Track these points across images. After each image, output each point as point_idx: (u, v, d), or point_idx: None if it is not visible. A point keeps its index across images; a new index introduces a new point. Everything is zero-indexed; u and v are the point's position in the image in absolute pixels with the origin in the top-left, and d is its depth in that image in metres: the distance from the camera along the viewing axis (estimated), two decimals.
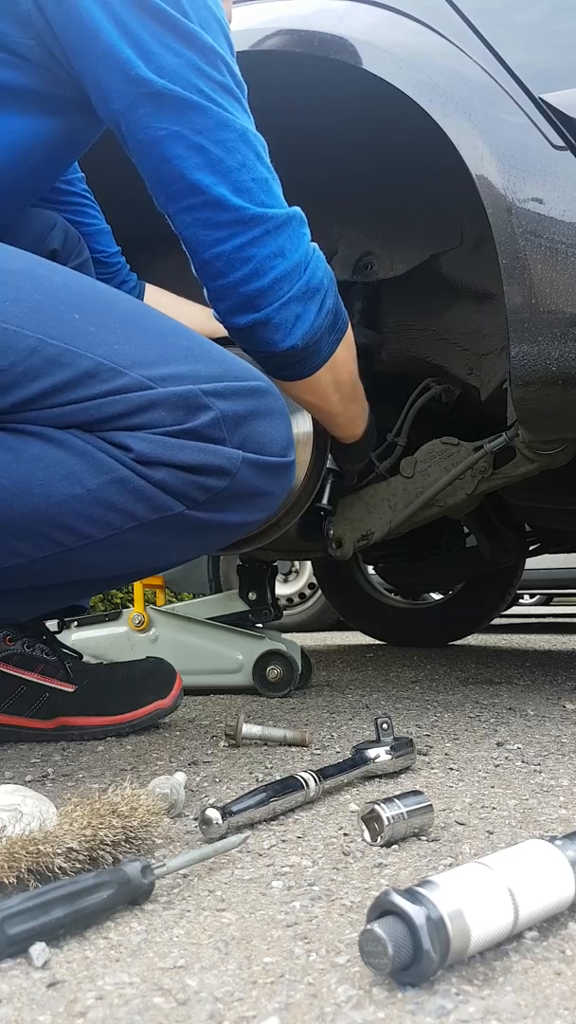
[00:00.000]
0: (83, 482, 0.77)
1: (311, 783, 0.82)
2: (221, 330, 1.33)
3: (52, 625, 1.81)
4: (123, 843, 0.65)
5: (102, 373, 0.77)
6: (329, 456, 1.43)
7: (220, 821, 0.71)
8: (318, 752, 1.09)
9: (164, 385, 0.78)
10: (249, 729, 1.13)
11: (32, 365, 0.75)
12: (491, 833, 0.73)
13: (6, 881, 0.58)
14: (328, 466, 1.43)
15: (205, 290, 0.91)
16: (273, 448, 0.85)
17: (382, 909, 0.46)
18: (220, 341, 1.30)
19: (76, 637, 1.74)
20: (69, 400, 0.77)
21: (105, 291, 0.86)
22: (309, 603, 4.02)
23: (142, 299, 1.38)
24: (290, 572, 4.12)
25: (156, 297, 1.40)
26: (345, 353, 1.02)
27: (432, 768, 0.98)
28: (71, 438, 0.78)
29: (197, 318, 1.37)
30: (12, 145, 0.90)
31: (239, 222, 0.85)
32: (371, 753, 0.92)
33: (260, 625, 1.77)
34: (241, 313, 0.90)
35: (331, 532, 1.57)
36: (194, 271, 0.90)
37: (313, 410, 1.15)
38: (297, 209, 0.92)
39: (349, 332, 1.03)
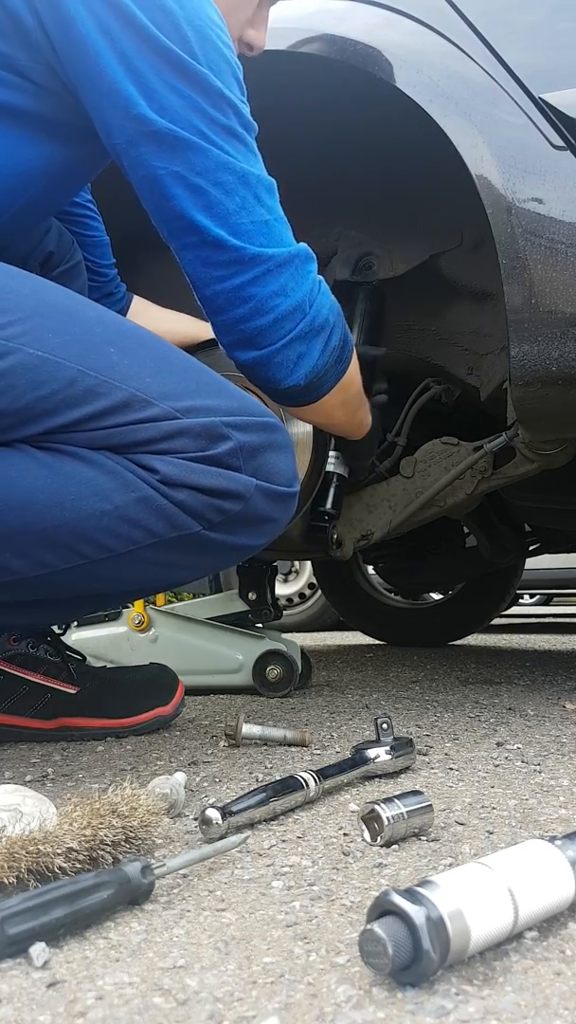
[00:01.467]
0: (111, 499, 0.83)
1: (311, 783, 0.82)
2: (207, 332, 1.35)
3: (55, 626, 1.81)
4: (123, 843, 0.65)
5: (135, 403, 0.83)
6: (332, 460, 1.43)
7: (220, 821, 0.71)
8: (318, 752, 1.09)
9: (189, 416, 0.85)
10: (249, 729, 1.13)
11: (72, 394, 0.82)
12: (491, 833, 0.73)
13: (6, 881, 0.58)
14: (331, 469, 1.43)
15: (211, 324, 0.94)
16: (281, 479, 0.91)
17: (382, 909, 0.46)
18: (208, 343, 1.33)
19: (76, 637, 1.74)
20: (103, 425, 0.83)
21: (134, 328, 0.91)
22: (309, 603, 4.02)
23: (127, 311, 1.38)
24: (290, 572, 4.12)
25: (143, 309, 1.40)
26: (350, 375, 1.02)
27: (432, 768, 0.98)
28: (102, 458, 0.84)
29: (185, 329, 1.39)
30: (19, 171, 0.90)
31: (238, 262, 0.87)
32: (371, 753, 0.92)
33: (260, 625, 1.77)
34: (243, 349, 0.93)
35: (335, 536, 1.57)
36: (199, 303, 0.92)
37: (320, 426, 1.21)
38: (303, 246, 0.93)
39: (353, 351, 1.02)
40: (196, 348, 1.38)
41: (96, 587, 0.95)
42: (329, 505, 1.44)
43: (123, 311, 1.38)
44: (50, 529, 0.83)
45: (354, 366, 1.04)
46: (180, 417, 0.84)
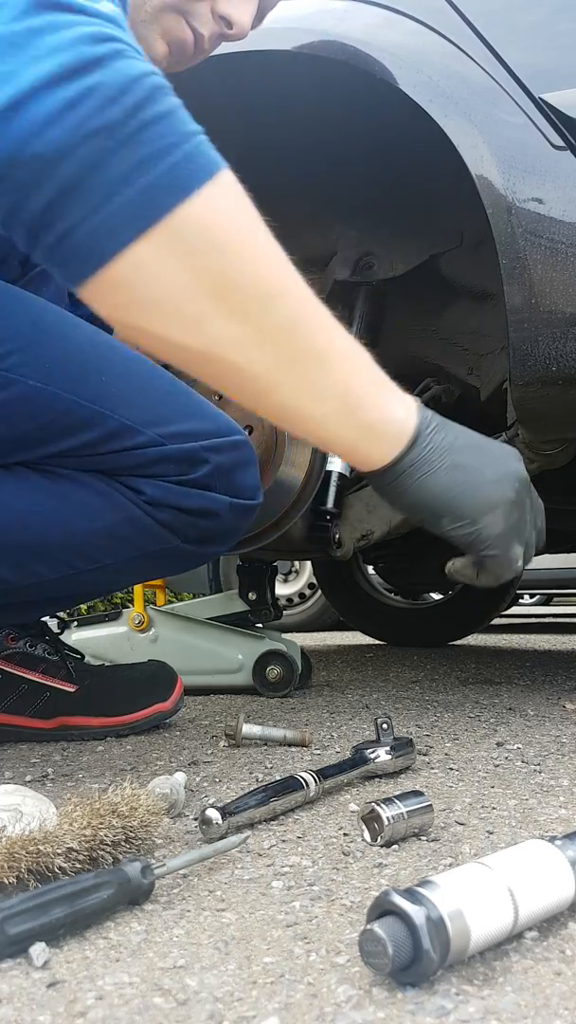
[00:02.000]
0: (103, 518, 0.91)
1: (311, 783, 0.82)
2: None
3: (53, 625, 1.81)
4: (123, 843, 0.65)
5: (124, 432, 0.89)
6: (332, 457, 1.43)
7: (220, 821, 0.71)
8: (318, 752, 1.09)
9: (172, 442, 0.91)
10: (249, 729, 1.13)
11: (68, 424, 0.87)
12: (491, 833, 0.73)
13: (6, 881, 0.58)
14: (330, 468, 1.43)
15: None
16: (248, 493, 0.98)
17: (382, 909, 0.46)
18: None
19: (76, 637, 1.74)
20: (96, 452, 0.89)
21: (119, 349, 0.94)
22: (309, 603, 4.02)
23: None
24: (290, 572, 4.11)
25: None
26: (210, 211, 0.58)
27: (432, 768, 0.98)
28: (94, 480, 0.91)
29: None
30: None
31: None
32: (371, 753, 0.92)
33: (260, 625, 1.77)
34: None
35: (337, 536, 1.57)
36: None
37: (182, 361, 0.64)
38: None
39: (222, 180, 0.59)
40: None
41: (77, 590, 1.02)
42: (330, 504, 1.44)
43: None
44: (45, 545, 0.90)
45: (219, 204, 0.58)
46: (165, 444, 0.90)
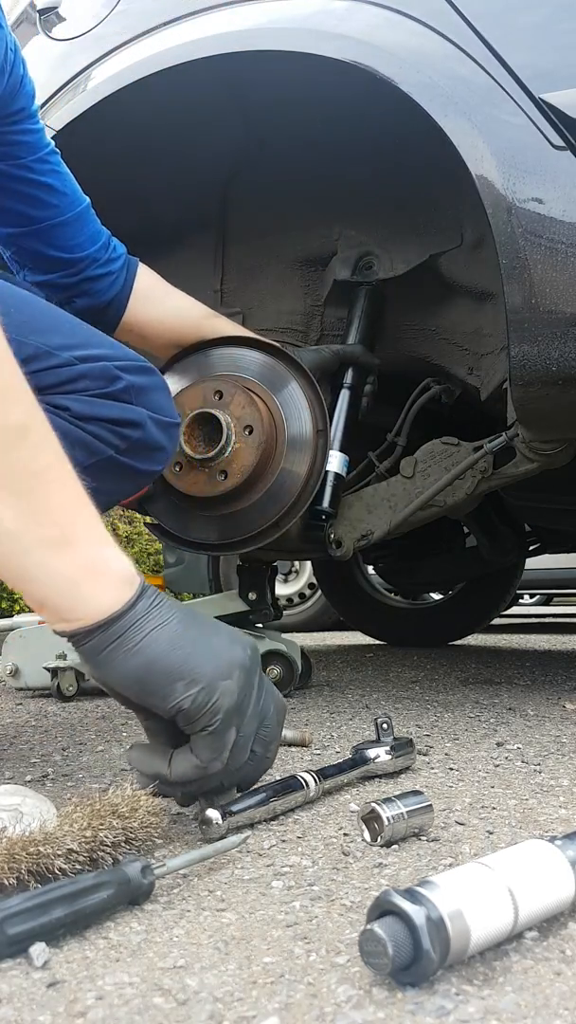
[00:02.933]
0: None
1: (311, 783, 0.82)
2: (216, 329, 1.30)
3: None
4: (123, 844, 0.65)
5: (42, 355, 0.93)
6: (329, 458, 1.43)
7: (220, 821, 0.71)
8: (318, 752, 1.09)
9: (86, 363, 0.96)
10: None
11: None
12: (491, 833, 0.73)
13: (6, 882, 0.58)
14: (327, 468, 1.43)
15: None
16: (167, 412, 1.04)
17: (382, 909, 0.46)
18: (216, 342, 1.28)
19: None
20: None
21: (24, 294, 1.01)
22: (309, 603, 4.02)
23: (133, 278, 1.27)
24: (290, 572, 4.11)
25: (150, 280, 1.29)
26: None
27: (432, 768, 0.98)
28: None
29: (188, 309, 1.35)
30: None
31: None
32: (371, 753, 0.92)
33: (260, 625, 1.77)
34: None
35: (332, 535, 1.57)
36: None
37: None
38: None
39: None
40: (194, 349, 1.38)
41: None
42: (327, 504, 1.44)
43: (126, 275, 1.27)
44: None
45: None
46: (79, 364, 0.95)
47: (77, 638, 0.67)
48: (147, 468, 1.06)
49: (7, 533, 0.64)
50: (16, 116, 1.06)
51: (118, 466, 1.01)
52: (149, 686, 0.66)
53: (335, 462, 1.47)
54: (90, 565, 0.66)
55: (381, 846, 0.70)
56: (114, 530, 6.76)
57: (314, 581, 3.83)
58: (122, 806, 0.67)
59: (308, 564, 3.90)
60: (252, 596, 1.71)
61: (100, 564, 0.67)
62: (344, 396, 1.51)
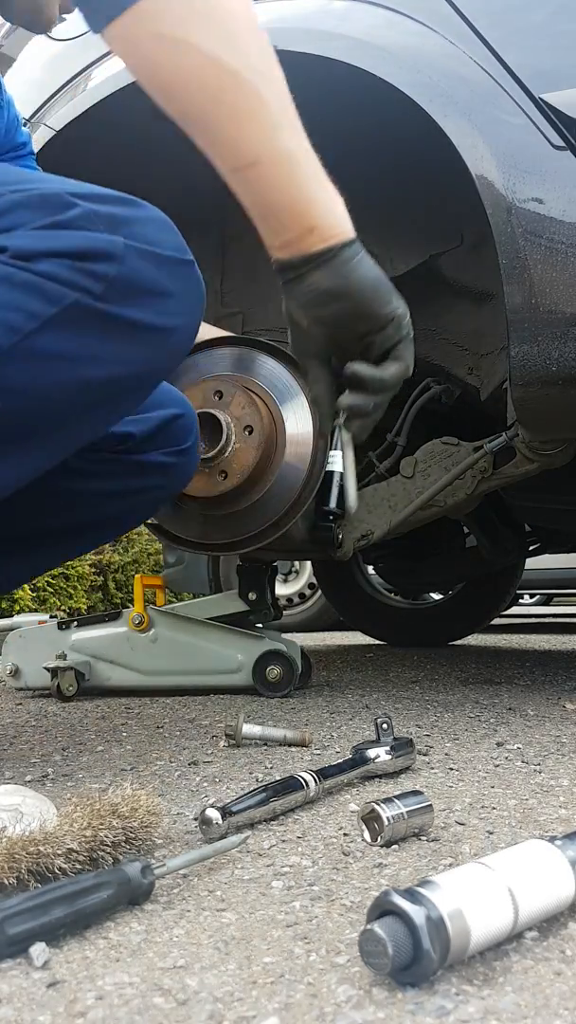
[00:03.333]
0: None
1: (311, 783, 0.82)
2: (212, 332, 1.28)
3: (51, 623, 1.81)
4: (123, 844, 0.65)
5: None
6: (332, 459, 1.43)
7: (220, 821, 0.71)
8: (318, 752, 1.09)
9: (22, 193, 0.79)
10: (249, 729, 1.13)
11: None
12: (491, 833, 0.73)
13: (6, 882, 0.58)
14: (331, 468, 1.43)
15: None
16: (164, 245, 0.82)
17: (382, 909, 0.46)
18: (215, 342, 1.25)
19: (76, 637, 1.74)
20: None
21: None
22: (309, 603, 4.02)
23: None
24: (290, 572, 4.11)
25: None
26: None
27: (432, 768, 0.98)
28: None
29: None
30: None
31: None
32: (371, 753, 0.92)
33: (260, 625, 1.77)
34: None
35: (340, 536, 1.57)
36: None
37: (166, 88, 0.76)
38: None
39: None
40: (194, 349, 1.38)
41: (40, 425, 0.82)
42: (333, 504, 1.44)
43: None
44: None
45: None
46: (11, 194, 0.78)
47: (334, 251, 0.77)
48: (152, 321, 0.81)
49: (307, 153, 0.77)
50: None
51: (103, 319, 0.78)
52: (379, 292, 0.79)
53: (338, 462, 1.47)
54: (337, 197, 0.80)
55: (381, 846, 0.70)
56: None
57: (314, 581, 3.83)
58: (122, 806, 0.67)
59: (308, 564, 3.90)
60: (252, 596, 1.72)
61: (339, 199, 0.80)
62: None
